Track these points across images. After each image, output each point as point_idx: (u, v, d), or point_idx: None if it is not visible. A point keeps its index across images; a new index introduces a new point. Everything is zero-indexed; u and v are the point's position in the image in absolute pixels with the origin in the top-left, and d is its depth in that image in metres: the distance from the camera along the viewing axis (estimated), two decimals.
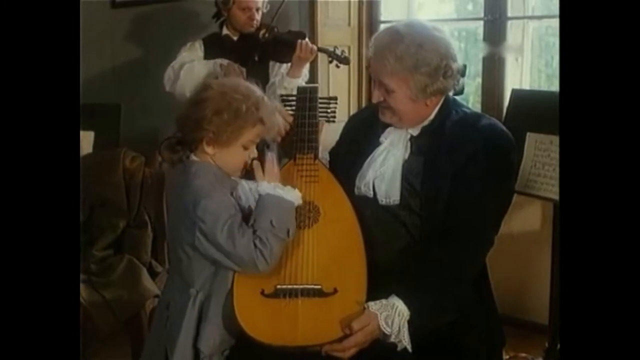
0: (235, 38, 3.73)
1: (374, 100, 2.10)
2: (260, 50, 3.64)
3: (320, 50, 3.55)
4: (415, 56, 1.98)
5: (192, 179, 1.94)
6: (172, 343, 1.94)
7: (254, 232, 1.88)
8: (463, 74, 2.09)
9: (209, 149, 1.97)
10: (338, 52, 3.49)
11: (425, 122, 2.12)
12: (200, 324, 1.94)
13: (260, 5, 3.68)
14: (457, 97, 2.17)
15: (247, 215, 1.97)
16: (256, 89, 2.02)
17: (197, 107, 1.95)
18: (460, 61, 2.08)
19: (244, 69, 3.55)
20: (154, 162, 3.12)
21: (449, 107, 2.12)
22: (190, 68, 3.64)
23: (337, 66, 3.54)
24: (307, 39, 3.51)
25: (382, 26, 4.11)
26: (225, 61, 3.60)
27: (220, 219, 1.87)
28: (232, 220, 1.88)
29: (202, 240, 1.88)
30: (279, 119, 2.05)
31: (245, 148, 2.00)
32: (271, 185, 1.96)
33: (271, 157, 2.04)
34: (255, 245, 1.86)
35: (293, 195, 1.96)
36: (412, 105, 2.05)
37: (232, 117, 1.94)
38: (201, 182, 1.93)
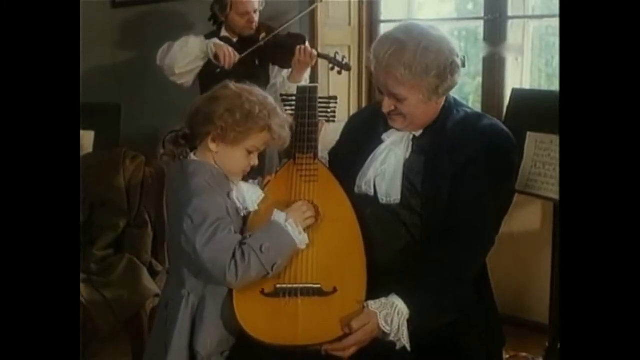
0: (234, 40, 3.72)
1: (385, 110, 2.07)
2: (260, 53, 3.64)
3: (320, 56, 3.53)
4: (423, 61, 1.96)
5: (190, 177, 1.94)
6: (168, 344, 1.94)
7: (242, 244, 1.86)
8: (464, 65, 2.08)
9: (213, 146, 1.97)
10: (339, 57, 3.47)
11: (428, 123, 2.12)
12: (196, 325, 1.93)
13: (257, 6, 3.67)
14: (457, 97, 2.17)
15: (242, 218, 1.98)
16: (271, 98, 2.04)
17: (211, 102, 1.97)
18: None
19: (237, 54, 3.54)
20: (154, 161, 3.12)
21: (451, 107, 2.12)
22: (185, 42, 3.62)
23: (339, 72, 3.53)
24: (307, 44, 3.50)
25: (383, 26, 4.11)
26: (219, 42, 3.59)
27: (207, 219, 1.85)
28: (219, 222, 1.86)
29: (184, 239, 1.86)
30: (287, 133, 2.04)
31: (249, 152, 2.00)
32: (284, 216, 1.94)
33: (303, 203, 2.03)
34: (234, 254, 1.83)
35: (299, 238, 1.93)
36: (424, 108, 2.05)
37: (243, 118, 1.94)
38: (198, 181, 1.93)
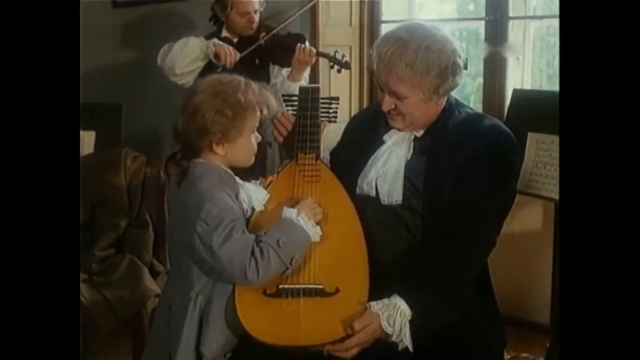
0: (234, 40, 3.72)
1: (385, 108, 2.07)
2: (260, 53, 3.63)
3: (320, 54, 3.54)
4: (425, 60, 1.96)
5: (197, 180, 1.93)
6: (175, 346, 1.93)
7: (259, 241, 1.85)
8: (465, 67, 2.08)
9: (220, 150, 1.96)
10: (338, 56, 3.47)
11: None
12: (202, 327, 1.93)
13: (257, 7, 3.67)
14: (458, 98, 2.17)
15: (247, 219, 1.97)
16: (237, 76, 2.02)
17: (195, 116, 1.94)
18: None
19: (237, 53, 3.53)
20: (155, 160, 3.12)
21: (452, 107, 2.12)
22: (185, 43, 3.61)
23: (339, 71, 3.52)
24: (307, 42, 3.50)
25: (384, 26, 4.11)
26: (219, 42, 3.58)
27: (223, 222, 1.84)
28: (233, 224, 1.86)
29: (198, 242, 1.86)
30: (271, 98, 2.03)
31: (251, 133, 2.00)
32: (295, 212, 1.93)
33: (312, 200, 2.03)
34: (252, 252, 1.82)
35: (313, 231, 1.92)
36: (424, 108, 2.05)
37: (234, 111, 1.93)
38: (206, 184, 1.92)
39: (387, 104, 2.06)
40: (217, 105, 1.93)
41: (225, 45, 3.55)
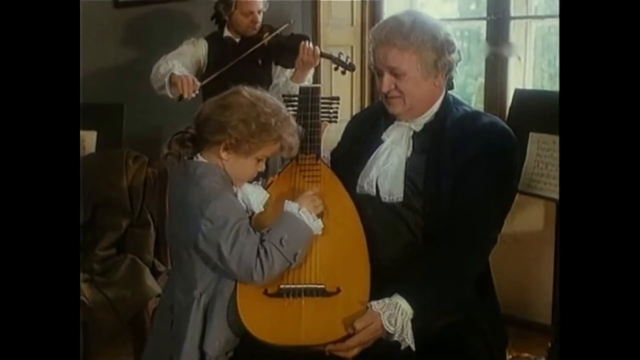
0: (237, 40, 3.71)
1: (384, 89, 2.08)
2: (263, 53, 3.62)
3: (324, 56, 3.51)
4: (421, 34, 2.01)
5: (199, 179, 1.92)
6: (179, 345, 1.93)
7: (262, 241, 1.87)
8: (460, 59, 2.12)
9: (224, 154, 1.95)
10: (343, 58, 3.44)
11: (427, 118, 2.13)
12: (206, 326, 1.93)
13: (261, 7, 3.67)
14: (458, 96, 2.18)
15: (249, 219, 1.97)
16: (283, 107, 2.02)
17: (223, 111, 1.94)
18: (462, 62, 2.09)
19: (198, 84, 3.39)
20: (157, 161, 3.12)
21: (450, 104, 2.13)
22: (158, 65, 3.53)
23: (343, 73, 3.51)
24: (310, 43, 3.49)
25: None
26: (176, 73, 3.40)
27: (229, 221, 1.85)
28: (240, 224, 1.87)
29: (203, 242, 1.86)
30: (297, 141, 2.03)
31: (258, 160, 2.00)
32: (296, 206, 1.94)
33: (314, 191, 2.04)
34: (258, 253, 1.84)
35: (314, 224, 1.94)
36: (423, 86, 2.06)
37: (258, 129, 1.92)
38: (209, 183, 1.91)
39: (387, 84, 2.07)
40: (247, 115, 1.92)
41: (183, 75, 3.38)
